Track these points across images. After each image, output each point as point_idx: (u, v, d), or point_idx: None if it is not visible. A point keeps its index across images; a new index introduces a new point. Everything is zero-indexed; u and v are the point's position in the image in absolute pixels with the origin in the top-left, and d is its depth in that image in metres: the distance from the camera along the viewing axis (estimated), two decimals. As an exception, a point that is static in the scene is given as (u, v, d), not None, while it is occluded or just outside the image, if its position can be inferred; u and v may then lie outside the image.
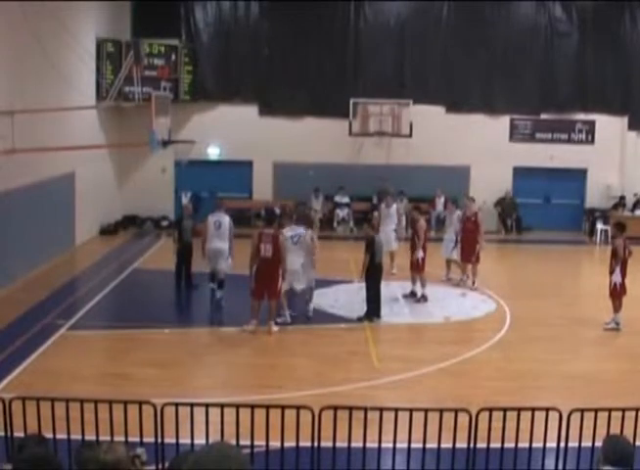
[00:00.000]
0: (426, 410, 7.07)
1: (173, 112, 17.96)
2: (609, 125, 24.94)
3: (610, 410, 7.15)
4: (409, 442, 6.99)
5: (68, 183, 19.35)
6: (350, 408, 7.04)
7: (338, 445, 6.98)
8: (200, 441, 6.66)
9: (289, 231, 13.74)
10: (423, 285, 15.70)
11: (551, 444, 7.11)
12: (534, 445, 7.08)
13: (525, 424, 7.04)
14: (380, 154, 24.48)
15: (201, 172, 24.47)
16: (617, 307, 13.74)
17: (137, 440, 6.68)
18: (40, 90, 16.86)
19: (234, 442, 6.45)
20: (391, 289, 15.91)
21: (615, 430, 6.56)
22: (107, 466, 3.91)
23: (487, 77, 24.72)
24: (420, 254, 15.61)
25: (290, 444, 7.03)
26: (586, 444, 6.96)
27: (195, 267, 16.19)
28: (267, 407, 7.09)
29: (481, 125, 24.80)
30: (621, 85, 24.83)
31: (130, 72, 21.13)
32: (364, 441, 6.95)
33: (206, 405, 7.12)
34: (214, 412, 7.06)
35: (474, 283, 16.72)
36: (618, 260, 13.63)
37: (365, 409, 7.06)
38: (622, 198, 24.75)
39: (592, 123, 25.13)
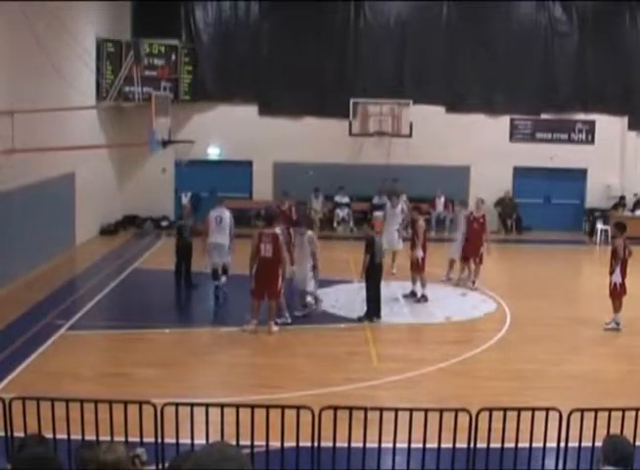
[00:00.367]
0: (426, 410, 7.06)
1: (173, 112, 17.97)
2: (609, 125, 24.94)
3: (610, 410, 7.15)
4: (409, 442, 6.99)
5: (68, 183, 19.35)
6: (350, 408, 7.04)
7: (338, 445, 6.98)
8: (200, 441, 6.67)
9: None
10: (423, 285, 15.70)
11: (551, 444, 7.11)
12: (534, 445, 7.08)
13: (526, 424, 7.04)
14: (380, 154, 24.47)
15: (201, 172, 24.47)
16: (617, 308, 13.74)
17: (137, 440, 6.68)
18: (40, 90, 16.86)
19: (234, 442, 6.45)
20: (392, 289, 15.91)
21: (615, 430, 6.56)
22: (107, 466, 3.91)
23: (487, 77, 24.71)
24: (420, 254, 15.62)
25: (290, 444, 7.03)
26: (586, 444, 6.96)
27: (195, 267, 16.20)
28: (267, 407, 7.09)
29: (482, 125, 24.80)
30: (621, 85, 24.82)
31: (130, 72, 21.13)
32: (364, 441, 6.95)
33: (207, 405, 7.12)
34: (214, 412, 7.06)
35: (474, 283, 16.72)
36: (619, 261, 13.63)
37: (365, 409, 7.05)
38: (622, 198, 24.75)
39: (592, 123, 25.14)
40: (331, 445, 6.93)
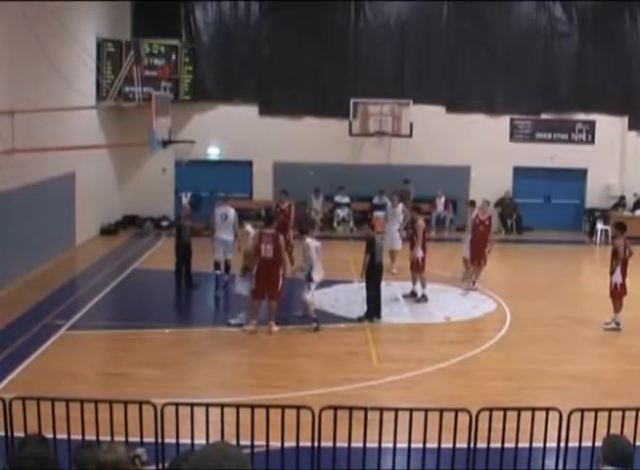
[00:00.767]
0: (426, 410, 7.07)
1: (173, 112, 17.96)
2: (609, 125, 24.94)
3: (610, 410, 7.15)
4: (409, 442, 6.99)
5: (68, 183, 19.35)
6: (350, 408, 7.04)
7: (338, 445, 6.98)
8: (200, 441, 6.67)
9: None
10: (423, 285, 15.70)
11: (551, 444, 7.11)
12: (534, 445, 7.08)
13: (526, 424, 7.04)
14: (380, 154, 24.47)
15: (201, 172, 24.47)
16: (617, 308, 13.74)
17: (137, 440, 6.68)
18: (40, 90, 16.86)
19: (234, 442, 6.45)
20: (392, 289, 15.91)
21: (615, 430, 6.56)
22: (107, 466, 3.91)
23: (487, 77, 24.72)
24: (420, 253, 15.61)
25: (290, 444, 7.03)
26: (586, 444, 6.96)
27: (195, 267, 16.20)
28: (267, 407, 7.09)
29: (482, 125, 24.80)
30: (622, 85, 24.83)
31: (130, 72, 21.12)
32: (364, 441, 6.95)
33: (207, 405, 7.12)
34: (214, 412, 7.06)
35: (474, 283, 16.69)
36: (619, 261, 13.63)
37: (365, 409, 7.05)
38: (622, 198, 24.75)
39: (592, 123, 25.14)
40: (331, 445, 6.93)
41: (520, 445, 7.02)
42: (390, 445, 6.99)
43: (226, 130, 24.47)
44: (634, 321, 13.89)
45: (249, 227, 14.25)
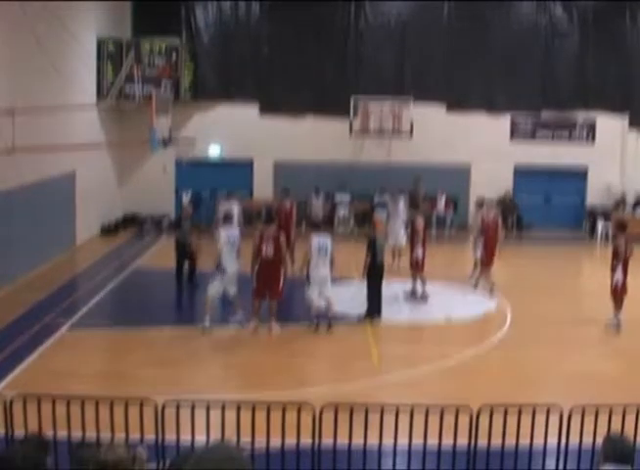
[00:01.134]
0: (426, 410, 7.06)
1: (174, 111, 17.96)
2: (609, 125, 24.93)
3: (610, 409, 7.15)
4: (410, 441, 6.99)
5: (68, 182, 19.35)
6: (351, 408, 7.04)
7: (338, 444, 6.98)
8: (200, 440, 6.67)
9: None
10: (423, 284, 15.69)
11: (552, 443, 7.11)
12: (535, 443, 7.08)
13: (526, 423, 7.04)
14: (380, 152, 24.48)
15: (201, 172, 24.48)
16: (617, 307, 13.74)
17: (138, 438, 6.68)
18: (41, 90, 16.86)
19: (235, 441, 6.45)
20: (392, 288, 15.90)
21: (615, 429, 6.56)
22: (107, 466, 3.91)
23: (488, 76, 24.70)
24: (420, 252, 15.60)
25: (290, 443, 7.03)
26: (587, 442, 6.96)
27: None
28: (268, 407, 7.09)
29: (482, 124, 24.79)
30: (622, 84, 24.81)
31: (131, 72, 21.15)
32: (365, 440, 6.95)
33: (207, 404, 7.12)
34: (215, 411, 7.06)
35: (476, 285, 16.62)
36: (620, 260, 13.62)
37: (366, 409, 7.06)
38: (623, 197, 24.74)
39: (593, 123, 25.13)
40: (331, 444, 6.93)
41: (520, 443, 7.02)
42: (391, 444, 6.99)
43: (226, 129, 24.47)
44: (635, 321, 13.88)
45: (222, 233, 13.56)
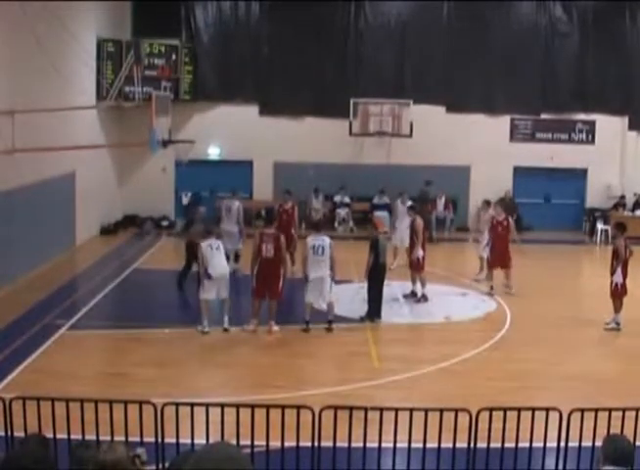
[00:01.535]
0: (426, 410, 7.06)
1: (173, 111, 17.96)
2: (609, 125, 24.94)
3: (610, 410, 7.15)
4: (409, 442, 6.99)
5: (68, 183, 19.34)
6: (351, 408, 7.04)
7: (338, 444, 6.98)
8: (200, 440, 6.67)
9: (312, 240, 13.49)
10: (423, 285, 15.68)
11: (551, 444, 7.11)
12: (534, 445, 7.08)
13: (526, 424, 7.04)
14: (380, 154, 24.48)
15: (201, 172, 24.47)
16: (617, 308, 13.74)
17: (137, 439, 6.68)
18: (40, 90, 16.86)
19: (234, 441, 6.45)
20: (392, 289, 15.89)
21: (615, 430, 6.56)
22: (107, 466, 3.91)
23: (488, 77, 24.71)
24: (419, 253, 15.59)
25: (290, 444, 7.03)
26: (586, 443, 6.96)
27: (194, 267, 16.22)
28: (267, 407, 7.09)
29: (482, 125, 24.79)
30: (622, 85, 24.82)
31: (131, 72, 21.14)
32: (364, 441, 6.95)
33: (207, 405, 7.12)
34: (215, 412, 7.05)
35: (492, 287, 16.40)
36: (620, 261, 13.62)
37: (365, 409, 7.05)
38: (623, 198, 24.73)
39: (592, 123, 25.14)
40: (331, 445, 6.93)
41: (520, 444, 7.02)
42: (390, 444, 6.99)
43: (226, 130, 24.47)
44: (634, 321, 13.88)
45: (203, 244, 13.18)
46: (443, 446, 7.02)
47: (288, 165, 24.49)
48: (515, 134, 25.26)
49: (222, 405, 7.12)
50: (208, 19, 24.37)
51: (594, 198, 25.36)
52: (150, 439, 6.82)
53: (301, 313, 13.67)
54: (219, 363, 11.81)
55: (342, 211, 24.75)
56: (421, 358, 11.96)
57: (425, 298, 15.55)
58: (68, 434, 6.88)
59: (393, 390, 10.61)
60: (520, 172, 25.24)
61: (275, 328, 13.18)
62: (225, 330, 13.10)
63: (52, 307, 14.25)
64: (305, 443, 7.01)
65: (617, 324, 13.69)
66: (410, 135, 23.71)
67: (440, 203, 24.57)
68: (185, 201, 24.89)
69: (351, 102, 23.64)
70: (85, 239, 21.17)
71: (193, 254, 16.12)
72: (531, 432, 7.00)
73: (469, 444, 7.01)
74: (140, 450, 4.45)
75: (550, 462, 7.21)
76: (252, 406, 7.10)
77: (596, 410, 7.13)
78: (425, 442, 7.01)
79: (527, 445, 7.05)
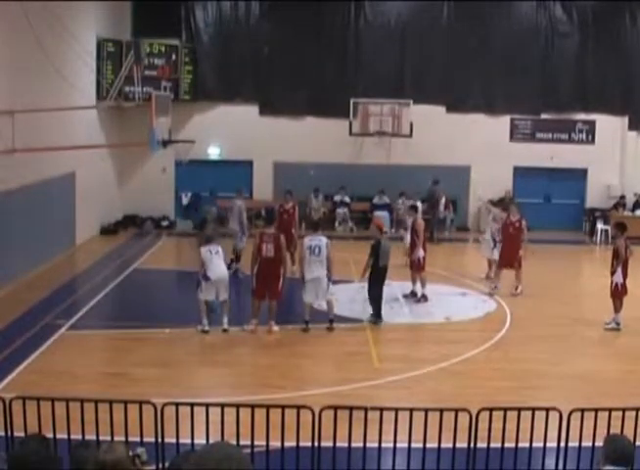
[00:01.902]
0: (426, 410, 7.06)
1: (173, 111, 17.95)
2: (609, 125, 24.95)
3: (610, 410, 7.15)
4: (409, 442, 6.98)
5: (68, 183, 19.35)
6: (351, 408, 7.03)
7: (338, 445, 6.98)
8: (200, 440, 6.67)
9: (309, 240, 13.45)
10: (423, 285, 15.68)
11: (551, 444, 7.10)
12: (534, 445, 7.08)
13: (526, 424, 7.04)
14: (380, 154, 24.48)
15: (201, 172, 24.47)
16: (617, 308, 13.74)
17: (137, 439, 6.68)
18: (40, 90, 16.86)
19: (234, 441, 6.45)
20: (392, 289, 15.88)
21: (615, 430, 6.56)
22: (106, 466, 3.91)
23: (488, 77, 24.72)
24: (420, 253, 15.59)
25: (290, 443, 7.02)
26: (586, 444, 6.96)
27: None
28: (267, 407, 7.09)
29: (482, 125, 24.81)
30: (622, 85, 24.84)
31: (130, 72, 21.13)
32: (364, 441, 6.94)
33: (207, 405, 7.11)
34: (215, 412, 7.05)
35: (495, 287, 16.41)
36: (620, 261, 13.62)
37: (365, 409, 7.05)
38: (623, 198, 24.73)
39: (592, 123, 25.15)
40: (331, 445, 6.93)
41: (520, 445, 7.02)
42: (391, 444, 6.99)
43: (226, 130, 24.47)
44: (634, 321, 13.89)
45: (203, 249, 13.15)
46: (443, 446, 7.02)
47: (288, 165, 24.50)
48: (515, 134, 25.27)
49: (222, 405, 7.12)
50: (208, 19, 24.38)
51: (594, 198, 25.37)
52: (150, 439, 6.82)
53: (301, 313, 13.65)
54: (219, 363, 11.81)
55: (341, 211, 24.75)
56: (421, 358, 11.96)
57: (425, 298, 15.55)
58: (68, 434, 6.87)
59: (393, 390, 10.61)
60: (520, 172, 25.25)
61: (275, 328, 13.18)
62: (224, 331, 13.10)
63: (52, 307, 14.25)
64: (305, 443, 7.01)
65: (618, 324, 13.69)
66: (410, 135, 23.73)
67: (441, 203, 24.59)
68: (185, 201, 24.90)
69: (351, 102, 23.66)
70: (85, 239, 21.17)
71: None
72: (531, 432, 7.00)
73: (469, 444, 7.01)
74: (140, 450, 4.46)
75: (550, 462, 7.21)
76: (252, 406, 7.10)
77: (596, 410, 7.13)
78: (425, 442, 7.01)
79: (527, 445, 7.05)
